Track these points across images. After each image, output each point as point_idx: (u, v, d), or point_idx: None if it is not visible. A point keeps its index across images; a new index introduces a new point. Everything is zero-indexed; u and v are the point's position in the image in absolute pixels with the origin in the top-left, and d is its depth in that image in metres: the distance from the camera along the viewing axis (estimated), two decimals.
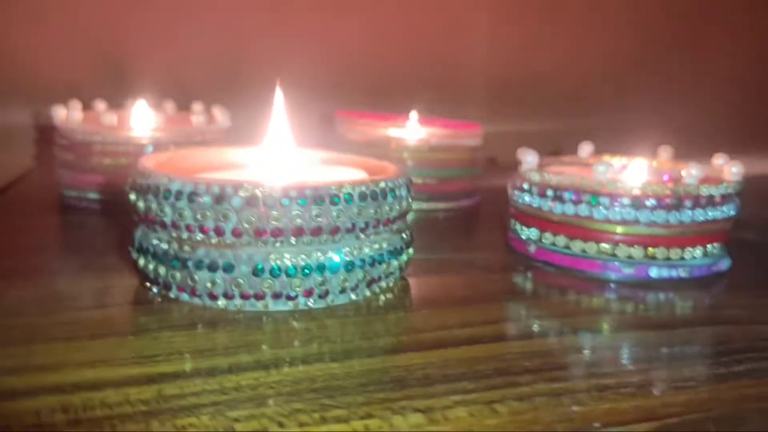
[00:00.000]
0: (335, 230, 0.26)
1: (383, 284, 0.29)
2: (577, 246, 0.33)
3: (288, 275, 0.25)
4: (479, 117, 0.57)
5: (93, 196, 0.43)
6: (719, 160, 0.36)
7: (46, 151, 0.51)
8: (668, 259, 0.32)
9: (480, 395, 0.20)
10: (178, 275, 0.26)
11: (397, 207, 0.28)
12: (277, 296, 0.26)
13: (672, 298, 0.30)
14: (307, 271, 0.26)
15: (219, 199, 0.25)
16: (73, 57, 0.61)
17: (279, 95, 0.34)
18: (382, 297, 0.28)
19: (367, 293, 0.28)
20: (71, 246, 0.37)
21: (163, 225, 0.26)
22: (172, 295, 0.27)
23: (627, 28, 0.81)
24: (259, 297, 0.26)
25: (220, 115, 0.47)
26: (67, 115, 0.43)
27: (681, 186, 0.31)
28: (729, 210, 0.33)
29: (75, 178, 0.43)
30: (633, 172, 0.37)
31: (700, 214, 0.31)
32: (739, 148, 0.40)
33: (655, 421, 0.19)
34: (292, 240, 0.25)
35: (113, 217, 0.40)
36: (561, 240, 0.33)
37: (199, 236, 0.25)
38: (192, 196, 0.25)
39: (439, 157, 0.47)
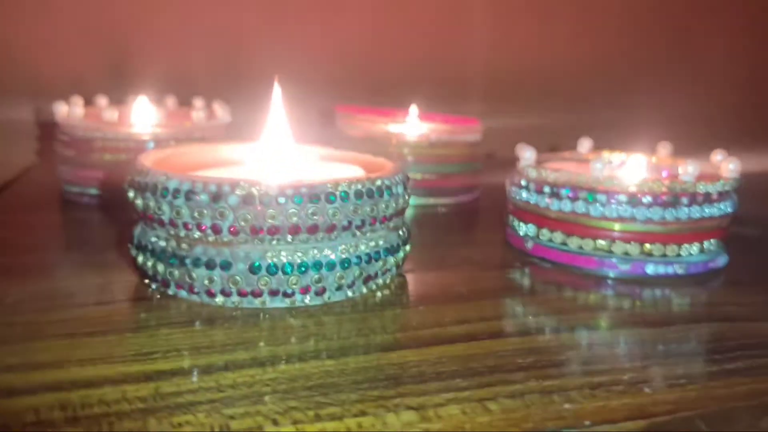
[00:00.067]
0: (331, 228, 0.26)
1: (380, 281, 0.29)
2: (574, 242, 0.33)
3: (284, 273, 0.26)
4: (478, 112, 0.57)
5: (94, 191, 0.43)
6: (718, 156, 0.36)
7: (47, 147, 0.51)
8: (664, 255, 0.32)
9: (473, 393, 0.20)
10: (176, 272, 0.26)
11: (394, 204, 0.28)
12: (274, 293, 0.26)
13: (668, 294, 0.30)
14: (303, 268, 0.26)
15: (216, 197, 0.25)
16: (75, 53, 0.61)
17: (277, 91, 0.34)
18: (379, 294, 0.28)
19: (364, 290, 0.28)
20: (72, 242, 0.37)
21: (161, 223, 0.26)
22: (170, 291, 0.27)
23: (626, 23, 0.81)
24: (256, 294, 0.26)
25: (220, 110, 0.47)
26: (69, 111, 0.44)
27: (677, 183, 0.31)
28: (726, 207, 0.33)
29: (76, 174, 0.43)
30: (631, 168, 0.38)
31: (696, 211, 0.32)
32: (740, 143, 0.40)
33: (645, 419, 0.19)
34: (289, 238, 0.26)
35: (114, 213, 0.41)
36: (558, 236, 0.33)
37: (197, 234, 0.26)
38: (189, 194, 0.25)
39: (439, 152, 0.48)
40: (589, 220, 0.32)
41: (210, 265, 0.26)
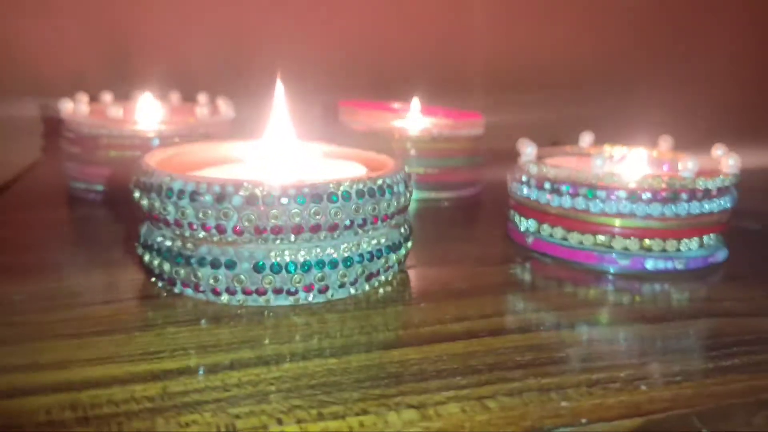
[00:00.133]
0: (334, 227, 0.26)
1: (382, 278, 0.29)
2: (574, 238, 0.33)
3: (288, 271, 0.26)
4: (481, 105, 0.57)
5: (100, 188, 0.43)
6: (718, 151, 0.36)
7: (52, 144, 0.51)
8: (664, 251, 0.32)
9: (472, 391, 0.20)
10: (182, 271, 0.27)
11: (395, 203, 0.29)
12: (277, 292, 0.26)
13: (667, 289, 0.30)
14: (306, 267, 0.26)
15: (220, 198, 0.25)
16: (78, 49, 0.61)
17: (280, 88, 0.34)
18: (381, 290, 0.29)
19: (367, 287, 0.29)
20: (78, 240, 0.38)
21: (167, 223, 0.27)
22: (176, 290, 0.27)
23: (629, 18, 0.81)
24: (260, 293, 0.26)
25: (224, 106, 0.48)
26: (74, 108, 0.44)
27: (677, 179, 0.32)
28: (725, 202, 0.33)
29: (82, 171, 0.44)
30: (632, 163, 0.38)
31: (695, 207, 0.32)
32: (742, 137, 0.40)
33: (641, 416, 0.19)
34: (292, 237, 0.26)
35: (120, 210, 0.41)
36: (558, 232, 0.34)
37: (202, 234, 0.26)
38: (194, 195, 0.26)
39: (441, 147, 0.48)
40: (589, 216, 0.32)
41: (215, 265, 0.26)
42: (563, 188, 0.33)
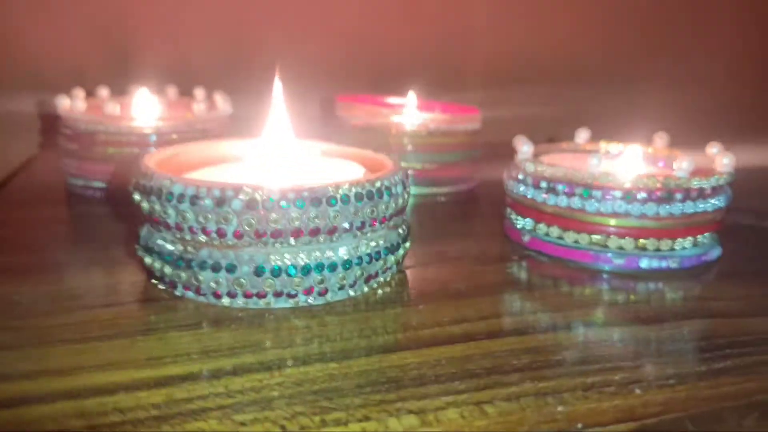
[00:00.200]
0: (333, 230, 0.27)
1: (381, 279, 0.30)
2: (570, 237, 0.33)
3: (288, 275, 0.26)
4: (478, 99, 0.57)
5: (98, 184, 0.44)
6: (713, 149, 0.37)
7: (49, 140, 0.51)
8: (658, 250, 0.33)
9: (470, 396, 0.21)
10: (183, 275, 0.27)
11: (393, 205, 0.29)
12: (278, 294, 0.27)
13: (661, 288, 0.31)
14: (306, 270, 0.27)
15: (220, 202, 0.26)
16: (75, 43, 0.61)
17: (278, 86, 0.34)
18: (380, 291, 0.29)
19: (365, 289, 0.29)
20: (77, 238, 0.38)
21: (167, 226, 0.27)
22: (177, 292, 0.28)
23: (627, 12, 0.81)
24: (261, 296, 0.27)
25: (221, 102, 0.48)
26: (71, 105, 0.44)
27: (672, 179, 0.32)
28: (719, 202, 0.33)
29: (80, 167, 0.44)
30: (628, 160, 0.38)
31: (690, 207, 0.32)
32: (738, 134, 0.41)
33: (635, 421, 0.20)
34: (292, 241, 0.26)
35: (118, 208, 0.41)
36: (554, 231, 0.34)
37: (202, 237, 0.26)
38: (194, 199, 0.26)
39: (439, 142, 0.48)
40: (585, 215, 0.33)
41: (215, 268, 0.26)
42: (559, 187, 0.33)
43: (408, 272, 0.32)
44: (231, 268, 0.26)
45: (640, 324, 0.27)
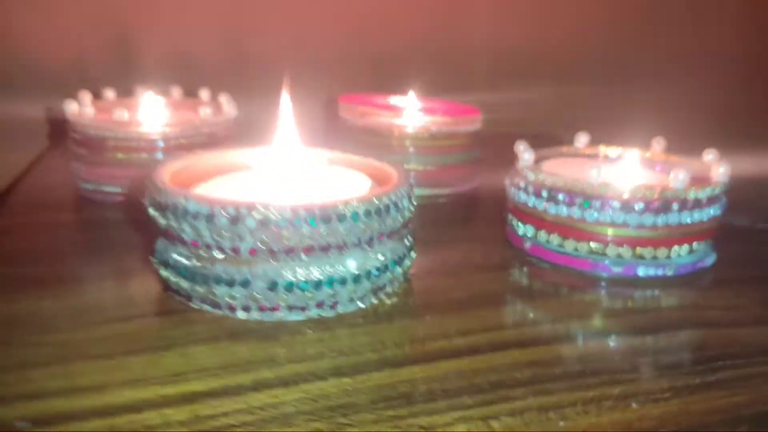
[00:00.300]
0: (343, 246, 0.28)
1: (388, 290, 0.31)
2: (570, 245, 0.35)
3: (300, 289, 0.28)
4: (479, 96, 0.58)
5: (108, 188, 0.44)
6: (709, 156, 0.38)
7: (59, 144, 0.52)
8: (655, 258, 0.34)
9: (477, 411, 0.22)
10: (199, 288, 0.28)
11: (400, 218, 0.30)
12: (291, 308, 0.28)
13: (657, 296, 0.32)
14: (318, 285, 0.28)
15: (234, 220, 0.27)
16: (82, 41, 0.61)
17: (286, 95, 0.35)
18: (387, 302, 0.30)
19: (374, 300, 0.30)
20: (92, 246, 0.39)
21: (183, 242, 0.28)
22: (193, 305, 0.29)
23: (629, 8, 0.81)
24: (275, 309, 0.28)
25: (226, 104, 0.48)
26: (79, 110, 0.45)
27: (669, 191, 0.33)
28: (715, 210, 0.34)
29: (90, 171, 0.45)
30: (626, 165, 0.39)
31: (686, 216, 0.33)
32: (734, 139, 0.42)
33: None
34: (303, 256, 0.27)
35: (131, 213, 0.42)
36: (555, 238, 0.35)
37: (217, 254, 0.27)
38: (209, 218, 0.27)
39: (440, 144, 0.49)
40: (585, 224, 0.34)
41: (230, 283, 0.28)
42: (560, 197, 0.34)
43: (413, 280, 0.33)
44: (245, 283, 0.27)
45: (636, 334, 0.28)
